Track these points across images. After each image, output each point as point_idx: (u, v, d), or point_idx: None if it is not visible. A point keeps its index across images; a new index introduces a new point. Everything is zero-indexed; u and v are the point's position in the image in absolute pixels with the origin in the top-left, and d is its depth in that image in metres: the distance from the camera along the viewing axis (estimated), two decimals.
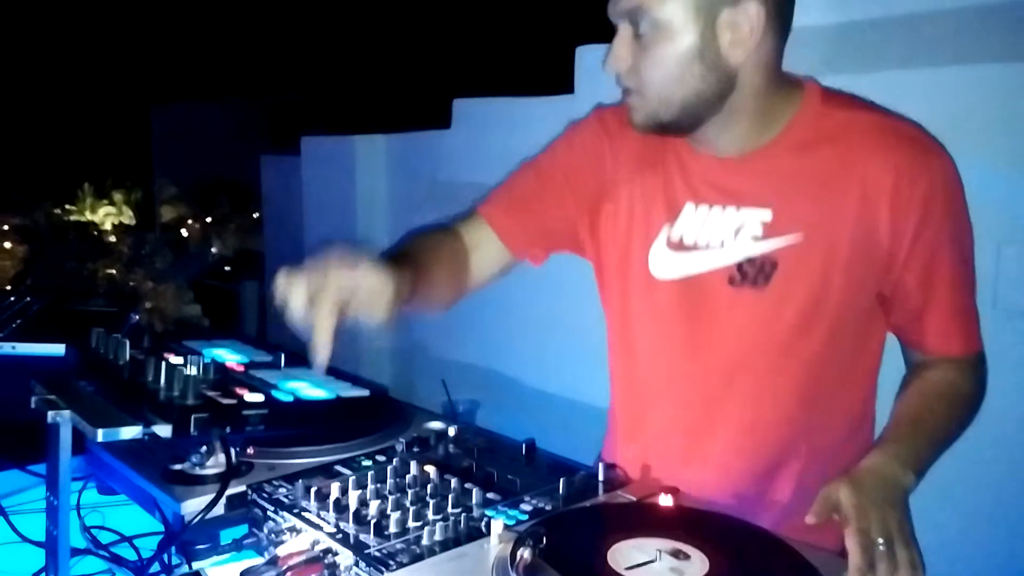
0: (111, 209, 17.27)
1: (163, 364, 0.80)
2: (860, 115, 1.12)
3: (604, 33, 1.17)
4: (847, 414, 1.25)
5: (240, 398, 0.81)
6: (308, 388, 0.91)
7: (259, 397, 0.83)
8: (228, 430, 0.80)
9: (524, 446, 1.27)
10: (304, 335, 0.87)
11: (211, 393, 0.81)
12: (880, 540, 0.91)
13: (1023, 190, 1.58)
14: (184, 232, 15.61)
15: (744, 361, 1.20)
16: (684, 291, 1.20)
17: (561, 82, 2.48)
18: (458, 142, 3.00)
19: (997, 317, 1.47)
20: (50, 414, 0.75)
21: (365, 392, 0.93)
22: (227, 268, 10.54)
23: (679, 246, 1.20)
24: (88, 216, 16.95)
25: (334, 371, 1.21)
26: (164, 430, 0.74)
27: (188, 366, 0.86)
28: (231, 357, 1.03)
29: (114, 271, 11.11)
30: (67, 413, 0.75)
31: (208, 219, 15.00)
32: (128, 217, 17.14)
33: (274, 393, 0.86)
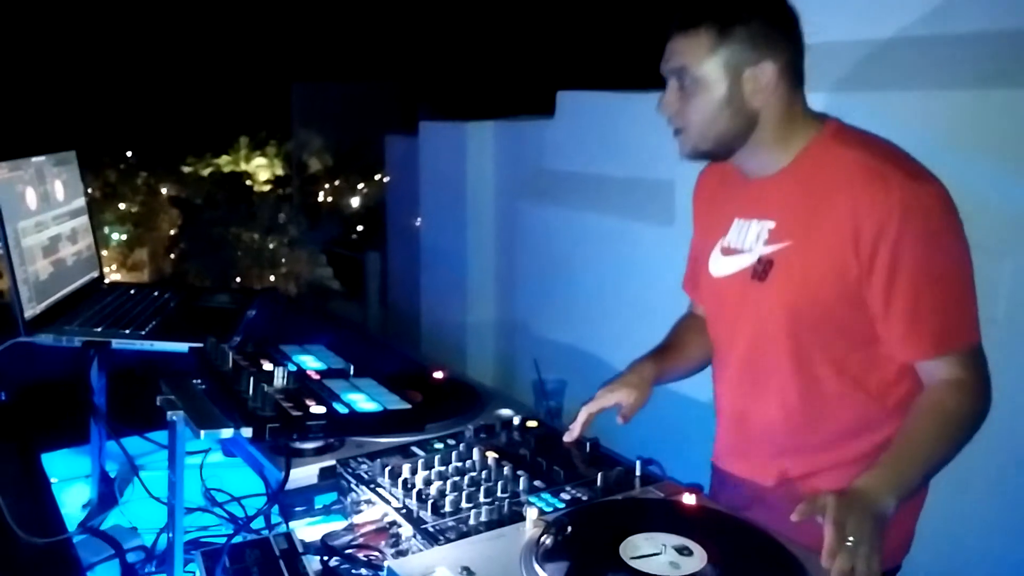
0: (263, 161, 18.28)
1: (252, 377, 1.01)
2: (848, 152, 1.31)
3: None
4: (850, 419, 1.38)
5: (307, 409, 1.01)
6: (364, 401, 1.10)
7: (321, 409, 1.03)
8: (295, 437, 1.01)
9: (588, 443, 1.42)
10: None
11: (285, 404, 1.01)
12: (851, 538, 1.07)
13: None
14: (320, 194, 16.47)
15: (753, 345, 1.43)
16: (727, 285, 1.46)
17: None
18: (560, 133, 3.13)
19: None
20: (169, 413, 0.98)
21: (408, 406, 1.10)
22: (354, 236, 11.17)
23: (727, 251, 1.47)
24: (243, 166, 18.04)
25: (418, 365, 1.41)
26: (248, 432, 0.95)
27: (275, 376, 1.08)
28: (312, 365, 1.24)
29: (255, 236, 11.97)
30: (181, 413, 0.97)
31: (338, 183, 15.84)
32: (279, 168, 18.11)
33: (335, 404, 1.06)
